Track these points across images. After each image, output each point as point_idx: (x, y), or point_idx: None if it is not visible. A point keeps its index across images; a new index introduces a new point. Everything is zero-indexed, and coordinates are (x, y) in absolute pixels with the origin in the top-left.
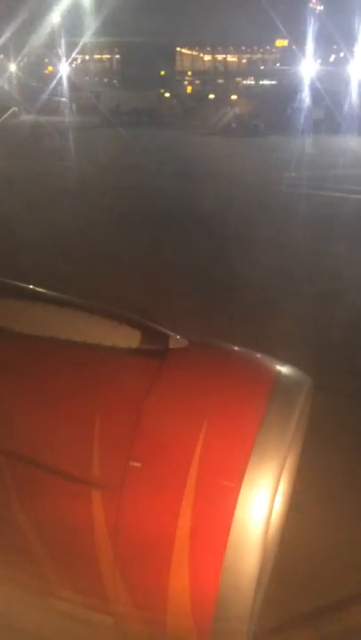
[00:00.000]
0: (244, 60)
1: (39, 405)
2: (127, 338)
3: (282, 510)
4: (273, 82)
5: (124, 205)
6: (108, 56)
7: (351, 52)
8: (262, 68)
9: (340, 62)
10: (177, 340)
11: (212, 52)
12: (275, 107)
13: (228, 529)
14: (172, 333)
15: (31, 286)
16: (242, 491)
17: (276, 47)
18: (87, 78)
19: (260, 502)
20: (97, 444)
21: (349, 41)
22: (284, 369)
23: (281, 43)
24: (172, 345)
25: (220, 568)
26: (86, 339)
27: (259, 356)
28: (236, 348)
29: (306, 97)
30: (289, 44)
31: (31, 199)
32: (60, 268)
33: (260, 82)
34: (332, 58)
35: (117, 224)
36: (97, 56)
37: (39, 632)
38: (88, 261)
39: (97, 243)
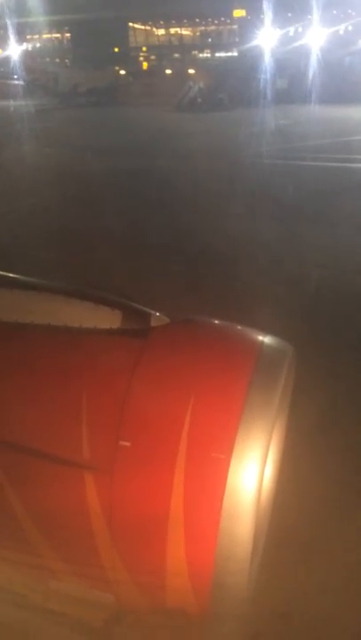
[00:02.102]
0: (199, 33)
1: (25, 392)
2: (108, 319)
3: (273, 478)
4: (233, 54)
5: (119, 189)
6: (59, 35)
7: (310, 20)
8: (220, 39)
9: (300, 30)
10: (158, 318)
11: (166, 26)
12: (237, 79)
13: (221, 500)
14: (153, 311)
15: (8, 273)
16: (232, 462)
17: (233, 18)
18: (39, 59)
19: (251, 472)
20: (85, 426)
21: (308, 9)
22: (266, 339)
23: (239, 13)
24: (153, 323)
25: (216, 539)
26: (67, 322)
27: (241, 328)
28: (218, 322)
29: (268, 67)
30: (247, 13)
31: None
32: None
33: (219, 54)
34: (292, 26)
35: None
36: (46, 35)
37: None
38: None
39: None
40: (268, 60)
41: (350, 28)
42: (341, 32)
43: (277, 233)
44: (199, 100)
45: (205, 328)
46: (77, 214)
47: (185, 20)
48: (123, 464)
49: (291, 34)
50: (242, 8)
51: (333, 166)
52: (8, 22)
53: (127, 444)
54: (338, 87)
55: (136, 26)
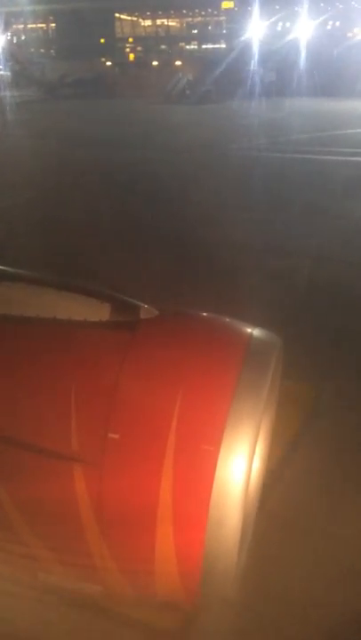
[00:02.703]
0: (186, 25)
1: (14, 384)
2: (97, 311)
3: (260, 467)
4: (220, 46)
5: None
6: (44, 25)
7: (298, 13)
8: (207, 31)
9: (288, 24)
10: (148, 310)
11: (153, 17)
12: (225, 71)
13: (210, 490)
14: (142, 304)
15: None
16: (221, 453)
17: (221, 9)
18: (23, 49)
19: (240, 463)
20: (75, 419)
21: (296, 1)
22: (255, 332)
23: (227, 5)
24: (143, 315)
25: (205, 528)
26: (56, 314)
27: (230, 321)
28: (207, 315)
29: (256, 60)
30: (235, 5)
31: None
32: None
33: (206, 46)
34: (280, 19)
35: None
36: (32, 26)
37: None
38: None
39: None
40: (256, 53)
41: (338, 21)
42: (329, 26)
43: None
44: (187, 91)
45: (194, 321)
46: (61, 203)
47: (172, 12)
48: (112, 456)
49: (279, 27)
50: (230, 0)
51: (320, 159)
52: None
53: (116, 436)
54: (325, 80)
55: (122, 16)
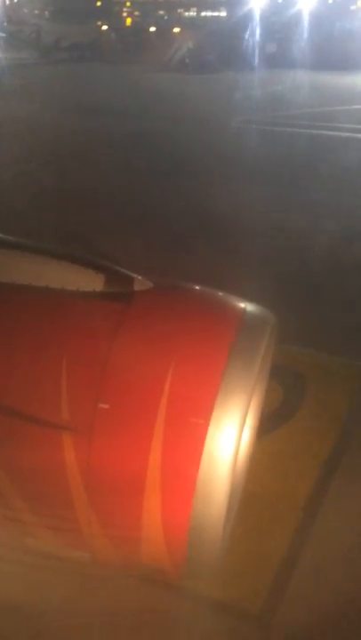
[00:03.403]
0: None
1: (5, 352)
2: (91, 281)
3: (249, 442)
4: (220, 14)
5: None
6: None
7: None
8: None
9: None
10: (142, 282)
11: None
12: (225, 40)
13: (198, 462)
14: (136, 275)
15: None
16: (210, 427)
17: None
18: (18, 11)
19: (229, 437)
20: (65, 388)
21: None
22: (249, 307)
23: None
24: (137, 287)
25: (192, 498)
26: (49, 283)
27: (224, 295)
28: (201, 289)
29: (257, 30)
30: None
31: None
32: None
33: (205, 13)
34: None
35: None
36: None
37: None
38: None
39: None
40: (257, 23)
41: None
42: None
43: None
44: (187, 60)
45: (188, 294)
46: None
47: None
48: (102, 426)
49: None
50: None
51: (323, 134)
52: None
53: (106, 406)
54: (326, 53)
55: None
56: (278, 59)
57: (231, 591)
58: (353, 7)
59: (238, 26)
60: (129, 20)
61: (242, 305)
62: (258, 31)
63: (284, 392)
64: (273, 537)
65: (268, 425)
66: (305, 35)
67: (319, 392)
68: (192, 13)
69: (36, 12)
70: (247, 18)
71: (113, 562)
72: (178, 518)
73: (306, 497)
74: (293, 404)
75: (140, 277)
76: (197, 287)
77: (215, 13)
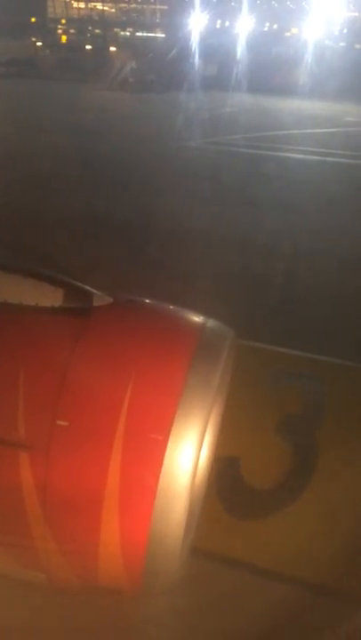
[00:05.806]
0: (120, 10)
1: None
2: (50, 297)
3: (208, 459)
4: (159, 35)
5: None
6: None
7: (238, 9)
8: (142, 19)
9: (228, 21)
10: (101, 298)
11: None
12: (166, 62)
13: (157, 479)
14: (95, 291)
15: None
16: (169, 443)
17: None
18: None
19: (188, 453)
20: (22, 404)
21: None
22: (207, 323)
23: None
24: (96, 302)
25: (150, 516)
26: (7, 298)
27: (183, 311)
28: (160, 304)
29: (197, 53)
30: None
31: None
32: None
33: (140, 34)
34: (220, 13)
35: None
36: None
37: None
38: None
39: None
40: (196, 46)
41: (276, 22)
42: (266, 28)
43: None
44: (131, 79)
45: (148, 309)
46: None
47: None
48: (59, 443)
49: (218, 23)
50: None
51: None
52: None
53: (64, 423)
54: (264, 77)
55: None
56: (218, 80)
57: None
58: (287, 34)
59: (178, 48)
60: (64, 38)
61: (200, 320)
62: (197, 54)
63: None
64: None
65: None
66: (243, 59)
67: None
68: (127, 33)
69: None
70: (185, 40)
71: (69, 581)
72: (136, 534)
73: None
74: None
75: (99, 293)
76: (157, 303)
77: (150, 34)
